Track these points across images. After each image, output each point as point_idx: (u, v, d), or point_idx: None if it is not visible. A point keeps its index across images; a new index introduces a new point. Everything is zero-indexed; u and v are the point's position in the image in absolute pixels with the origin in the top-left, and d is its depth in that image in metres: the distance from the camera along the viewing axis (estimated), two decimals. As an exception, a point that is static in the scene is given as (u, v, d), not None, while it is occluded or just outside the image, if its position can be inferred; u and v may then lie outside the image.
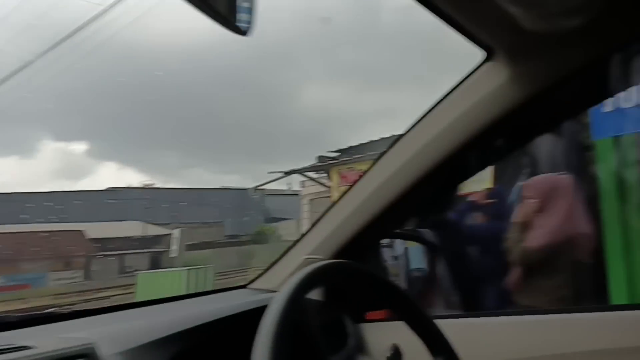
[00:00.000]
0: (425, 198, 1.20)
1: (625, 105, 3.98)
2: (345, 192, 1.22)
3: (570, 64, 0.84)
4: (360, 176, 1.19)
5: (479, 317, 1.19)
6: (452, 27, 0.86)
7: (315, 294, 1.03)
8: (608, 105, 4.01)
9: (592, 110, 4.18)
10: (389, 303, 0.77)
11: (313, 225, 1.23)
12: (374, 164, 1.15)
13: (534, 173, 5.76)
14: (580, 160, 5.34)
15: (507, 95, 0.90)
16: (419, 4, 0.81)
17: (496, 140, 1.02)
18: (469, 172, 1.19)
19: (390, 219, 1.18)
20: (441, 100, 0.99)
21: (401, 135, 1.08)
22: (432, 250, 1.63)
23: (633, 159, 4.06)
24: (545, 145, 5.84)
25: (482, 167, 1.18)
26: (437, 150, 1.03)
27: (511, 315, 1.20)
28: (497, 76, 0.90)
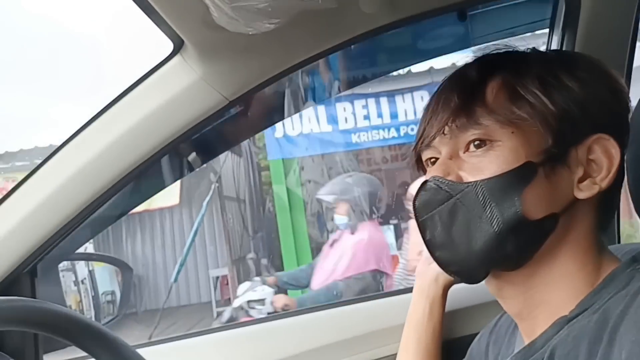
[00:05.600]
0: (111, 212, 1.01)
1: (292, 133, 4.73)
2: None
3: (262, 70, 0.83)
4: (15, 187, 0.89)
5: (186, 338, 1.06)
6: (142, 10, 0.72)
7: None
8: (279, 131, 4.67)
9: (267, 134, 4.78)
10: (72, 338, 0.65)
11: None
12: (34, 171, 0.88)
13: (219, 189, 6.16)
14: (257, 177, 6.10)
15: (197, 97, 0.82)
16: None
17: (188, 147, 0.93)
18: (157, 184, 1.06)
19: (64, 237, 0.94)
20: (121, 97, 0.82)
21: (70, 138, 0.85)
22: (124, 271, 1.41)
23: (297, 177, 4.94)
24: (228, 162, 6.33)
25: (175, 178, 1.06)
26: (119, 157, 0.85)
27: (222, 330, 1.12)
28: (187, 74, 0.81)
